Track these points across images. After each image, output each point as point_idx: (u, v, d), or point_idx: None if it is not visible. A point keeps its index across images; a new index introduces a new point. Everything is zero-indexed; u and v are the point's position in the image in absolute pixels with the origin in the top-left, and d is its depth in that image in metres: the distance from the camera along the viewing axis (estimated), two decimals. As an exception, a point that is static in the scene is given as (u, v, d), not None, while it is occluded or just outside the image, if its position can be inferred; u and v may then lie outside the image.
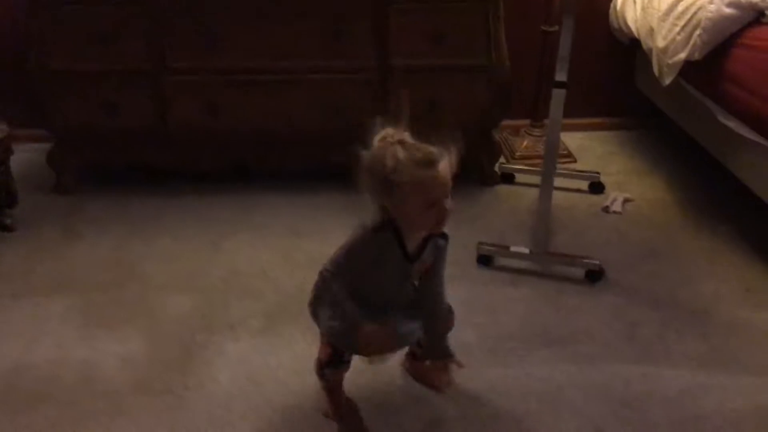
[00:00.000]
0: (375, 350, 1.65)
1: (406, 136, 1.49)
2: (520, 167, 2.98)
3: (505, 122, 3.14)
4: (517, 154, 3.11)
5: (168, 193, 2.83)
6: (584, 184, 2.88)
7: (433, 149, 1.48)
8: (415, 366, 1.93)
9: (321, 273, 1.61)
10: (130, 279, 2.34)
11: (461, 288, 2.30)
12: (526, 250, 2.39)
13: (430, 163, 1.47)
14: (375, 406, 1.85)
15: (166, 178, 2.87)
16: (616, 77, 3.31)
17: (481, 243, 2.43)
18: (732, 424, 1.80)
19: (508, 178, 2.95)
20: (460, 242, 2.49)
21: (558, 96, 2.12)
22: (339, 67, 2.68)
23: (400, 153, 1.45)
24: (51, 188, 2.85)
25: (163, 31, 2.62)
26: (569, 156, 3.10)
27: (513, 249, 2.40)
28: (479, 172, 2.91)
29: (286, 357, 2.00)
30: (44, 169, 2.86)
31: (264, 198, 2.80)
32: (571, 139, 3.25)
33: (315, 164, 2.81)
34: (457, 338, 2.07)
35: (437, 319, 1.74)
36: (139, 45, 2.62)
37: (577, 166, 3.05)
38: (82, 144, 2.79)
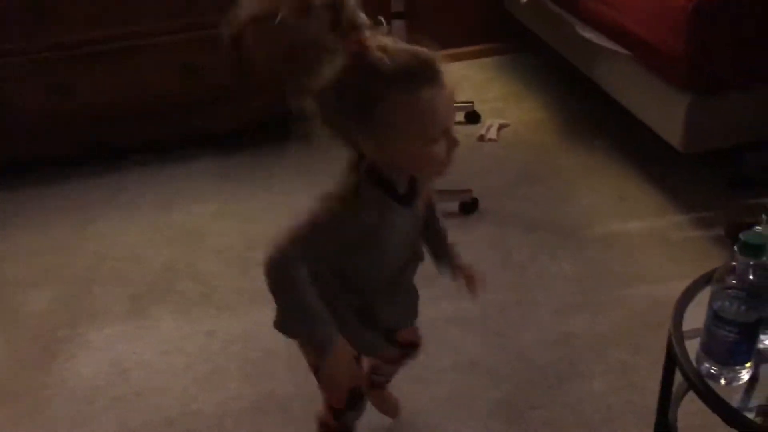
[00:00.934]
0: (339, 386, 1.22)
1: (389, 41, 1.03)
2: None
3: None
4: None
5: (27, 184, 2.67)
6: (460, 115, 2.83)
7: (431, 52, 1.03)
8: (375, 395, 1.63)
9: (269, 262, 1.09)
10: (-13, 281, 2.21)
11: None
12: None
13: (432, 72, 1.01)
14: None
15: (24, 169, 2.70)
16: (486, 2, 3.24)
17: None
18: (601, 338, 1.81)
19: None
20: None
21: (398, 28, 2.05)
22: (190, 24, 2.53)
23: (387, 61, 1.00)
24: None
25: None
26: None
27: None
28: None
29: (153, 339, 1.92)
30: None
31: (130, 174, 2.67)
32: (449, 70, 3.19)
33: (179, 132, 2.68)
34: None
35: (444, 235, 1.37)
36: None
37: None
38: None
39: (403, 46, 1.02)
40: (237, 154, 2.74)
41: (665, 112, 2.17)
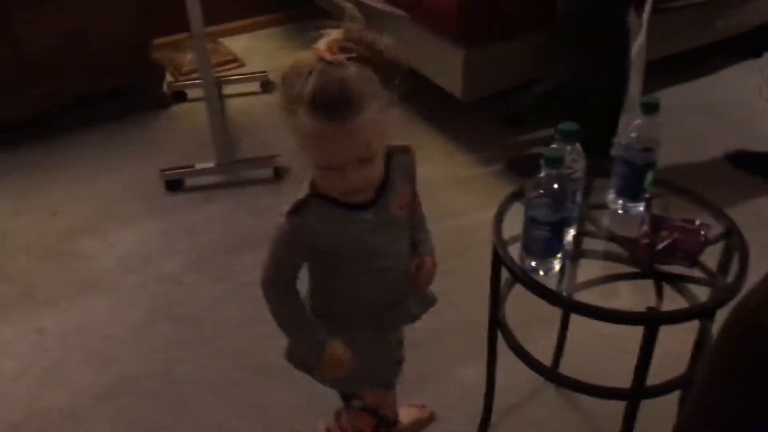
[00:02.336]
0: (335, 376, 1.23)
1: (352, 70, 0.98)
2: (189, 83, 2.90)
3: (163, 39, 3.02)
4: (184, 69, 3.02)
5: None
6: (256, 86, 2.90)
7: (357, 96, 0.97)
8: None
9: (261, 288, 1.16)
10: None
11: (157, 220, 2.25)
12: (212, 164, 2.38)
13: (338, 114, 0.96)
14: None
15: None
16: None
17: (163, 170, 2.36)
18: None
19: (179, 96, 2.86)
20: (146, 174, 2.42)
21: (193, 8, 2.08)
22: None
23: (308, 84, 0.97)
24: None
25: None
26: (236, 61, 3.09)
27: (198, 166, 2.38)
28: (147, 97, 2.78)
29: None
30: None
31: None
32: (236, 43, 3.23)
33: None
34: (162, 270, 2.06)
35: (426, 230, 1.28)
36: None
37: (246, 69, 3.05)
38: None
39: (352, 75, 0.97)
40: (25, 145, 2.58)
41: (445, 66, 2.42)
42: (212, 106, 2.30)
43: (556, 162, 1.10)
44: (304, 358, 1.22)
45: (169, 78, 2.89)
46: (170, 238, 2.18)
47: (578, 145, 1.20)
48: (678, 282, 1.20)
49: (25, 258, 2.12)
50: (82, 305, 1.95)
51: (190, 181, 2.39)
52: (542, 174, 1.12)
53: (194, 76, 2.98)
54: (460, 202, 2.30)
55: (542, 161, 1.11)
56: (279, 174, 2.40)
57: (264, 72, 2.91)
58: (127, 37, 2.60)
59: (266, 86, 2.89)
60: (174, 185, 2.36)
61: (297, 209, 1.07)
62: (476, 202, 2.28)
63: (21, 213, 2.29)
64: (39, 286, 2.01)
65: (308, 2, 3.21)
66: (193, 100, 2.87)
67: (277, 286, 1.15)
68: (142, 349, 1.83)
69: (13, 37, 2.41)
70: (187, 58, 3.06)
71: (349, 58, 0.97)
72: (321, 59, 0.97)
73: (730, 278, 1.18)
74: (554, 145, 1.18)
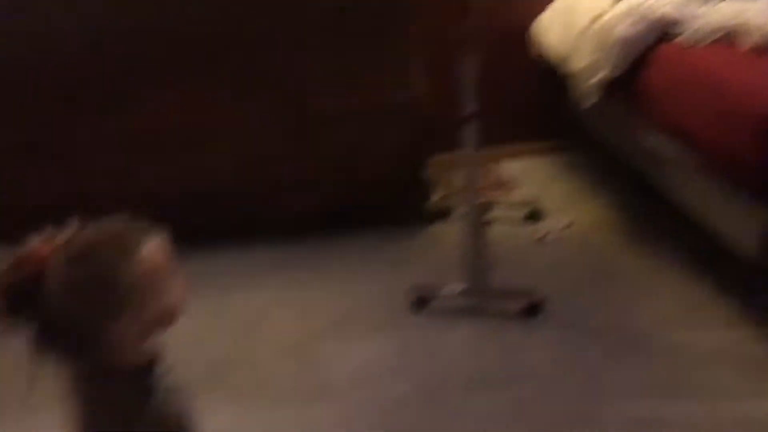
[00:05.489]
0: None
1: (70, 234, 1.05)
2: (455, 203, 2.90)
3: (441, 156, 3.09)
4: (452, 188, 3.04)
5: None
6: (522, 213, 2.82)
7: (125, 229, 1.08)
8: None
9: None
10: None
11: (397, 336, 2.22)
12: (462, 288, 2.31)
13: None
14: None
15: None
16: (548, 101, 3.28)
17: (413, 287, 2.34)
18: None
19: (443, 214, 2.87)
20: (397, 287, 2.43)
21: (469, 128, 2.08)
22: (255, 117, 2.61)
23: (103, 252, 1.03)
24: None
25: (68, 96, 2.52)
26: (505, 185, 3.05)
27: (447, 288, 2.32)
28: (413, 212, 2.83)
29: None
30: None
31: (190, 260, 2.68)
32: (510, 167, 3.20)
33: (242, 220, 2.72)
34: (393, 390, 2.00)
35: None
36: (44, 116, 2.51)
37: (516, 194, 2.99)
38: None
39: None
40: (298, 242, 2.74)
41: (738, 223, 2.12)
42: (474, 229, 2.26)
43: None
44: None
45: (435, 196, 2.93)
46: (407, 359, 2.12)
47: None
48: None
49: (268, 349, 2.20)
50: (312, 411, 1.94)
51: (436, 302, 2.34)
52: None
53: (460, 196, 2.99)
54: (737, 382, 1.95)
55: None
56: (530, 311, 2.25)
57: (535, 200, 2.83)
58: (401, 156, 2.69)
59: (533, 215, 2.80)
60: (420, 303, 2.33)
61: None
62: (755, 388, 1.92)
63: (280, 305, 2.40)
64: (276, 378, 2.06)
65: (585, 134, 3.11)
66: (455, 220, 2.87)
67: None
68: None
69: (315, 139, 2.63)
70: (457, 178, 3.09)
71: None
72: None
73: None
74: None
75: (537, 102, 3.28)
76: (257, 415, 1.93)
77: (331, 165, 2.66)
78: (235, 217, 2.73)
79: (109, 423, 1.06)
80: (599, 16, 2.51)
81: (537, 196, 2.89)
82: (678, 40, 2.30)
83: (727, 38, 2.26)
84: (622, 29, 2.30)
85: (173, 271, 1.09)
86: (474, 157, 2.17)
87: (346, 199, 2.72)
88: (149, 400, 1.06)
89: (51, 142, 2.55)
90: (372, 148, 2.64)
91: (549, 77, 3.14)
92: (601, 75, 2.45)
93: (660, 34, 2.28)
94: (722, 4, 2.37)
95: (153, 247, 1.06)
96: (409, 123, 2.65)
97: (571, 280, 2.44)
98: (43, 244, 1.02)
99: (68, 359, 1.04)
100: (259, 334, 2.26)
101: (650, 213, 2.80)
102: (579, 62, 2.58)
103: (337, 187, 2.70)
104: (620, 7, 2.46)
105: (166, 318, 1.09)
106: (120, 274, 1.01)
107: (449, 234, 2.78)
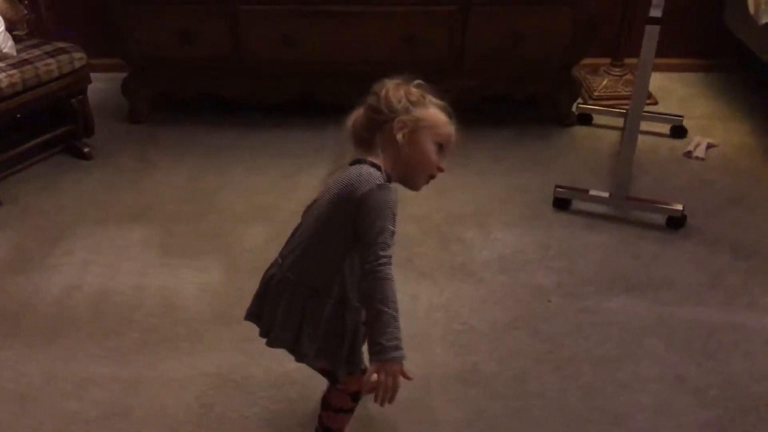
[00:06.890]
0: None
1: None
2: (599, 108, 2.87)
3: (584, 60, 3.03)
4: (596, 94, 3.00)
5: (239, 124, 2.83)
6: (666, 128, 2.77)
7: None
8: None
9: (379, 269, 1.32)
10: (207, 210, 2.36)
11: (539, 232, 2.27)
12: (606, 195, 2.33)
13: (441, 104, 1.44)
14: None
15: (235, 109, 2.86)
16: (703, 15, 3.13)
17: (558, 186, 2.37)
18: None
19: (585, 119, 2.85)
20: (536, 184, 2.46)
21: (651, 32, 2.02)
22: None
23: (416, 91, 1.41)
24: (125, 117, 2.87)
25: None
26: (650, 98, 2.98)
27: (592, 193, 2.34)
28: (556, 111, 2.82)
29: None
30: (118, 98, 2.88)
31: (333, 133, 2.76)
32: (652, 80, 3.11)
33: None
34: (532, 281, 2.07)
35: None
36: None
37: (659, 108, 2.93)
38: (156, 73, 2.79)
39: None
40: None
41: None
42: (630, 139, 2.24)
43: None
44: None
45: (579, 99, 2.90)
46: (547, 253, 2.18)
47: None
48: None
49: (415, 227, 2.28)
50: (453, 288, 2.04)
51: (578, 204, 2.37)
52: None
53: (605, 102, 2.95)
54: None
55: None
56: (672, 224, 2.26)
57: (680, 116, 2.76)
58: (558, 50, 2.66)
59: (677, 131, 2.75)
60: (562, 204, 2.36)
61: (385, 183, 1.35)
62: None
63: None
64: (420, 257, 2.16)
65: (735, 54, 2.98)
66: (596, 125, 2.85)
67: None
68: (498, 349, 1.86)
69: (465, 29, 2.62)
70: (602, 83, 3.04)
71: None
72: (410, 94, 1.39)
73: None
74: None
75: (694, 15, 3.14)
76: (405, 288, 2.03)
77: (492, 50, 2.65)
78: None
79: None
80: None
81: (680, 112, 2.82)
82: None
83: None
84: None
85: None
86: (648, 65, 2.11)
87: (501, 86, 2.74)
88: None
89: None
90: (531, 41, 2.61)
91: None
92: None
93: None
94: None
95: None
96: (572, 16, 2.59)
97: (714, 200, 2.41)
98: (396, 84, 1.41)
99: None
100: (405, 211, 2.33)
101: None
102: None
103: (496, 72, 2.70)
104: None
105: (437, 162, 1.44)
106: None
107: (590, 139, 2.78)
